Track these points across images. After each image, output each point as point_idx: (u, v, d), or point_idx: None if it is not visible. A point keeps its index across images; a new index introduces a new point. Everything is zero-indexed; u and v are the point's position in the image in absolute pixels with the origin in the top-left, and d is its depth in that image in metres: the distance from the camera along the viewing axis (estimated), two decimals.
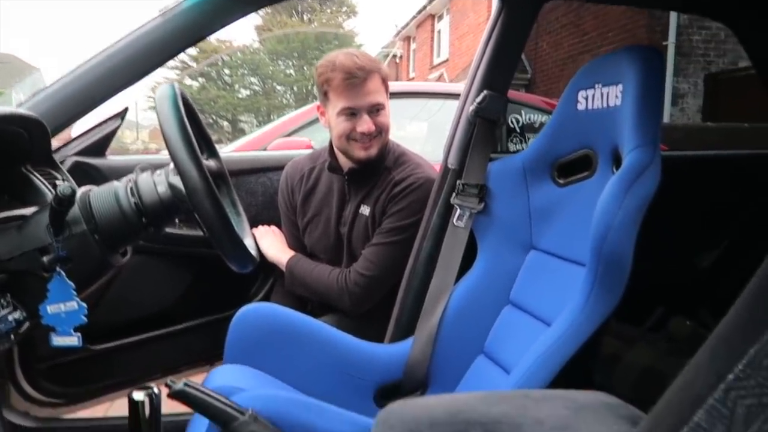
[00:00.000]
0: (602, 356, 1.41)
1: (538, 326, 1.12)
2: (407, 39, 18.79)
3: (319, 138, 2.62)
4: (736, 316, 0.38)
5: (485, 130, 1.35)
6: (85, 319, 0.89)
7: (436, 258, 1.34)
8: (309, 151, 1.79)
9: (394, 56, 19.60)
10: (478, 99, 1.34)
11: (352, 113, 1.41)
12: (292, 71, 25.93)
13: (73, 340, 0.90)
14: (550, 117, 2.86)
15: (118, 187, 0.93)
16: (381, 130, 1.43)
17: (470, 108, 1.36)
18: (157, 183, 0.93)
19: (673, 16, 6.68)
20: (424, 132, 4.11)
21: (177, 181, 0.89)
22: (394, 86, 2.95)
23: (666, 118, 6.58)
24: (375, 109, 1.41)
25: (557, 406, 0.50)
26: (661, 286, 1.44)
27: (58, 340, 0.89)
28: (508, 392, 0.82)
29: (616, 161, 1.05)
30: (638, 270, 0.89)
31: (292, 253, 1.55)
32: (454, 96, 3.59)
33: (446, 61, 14.52)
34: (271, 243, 1.58)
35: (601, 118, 1.08)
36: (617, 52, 1.08)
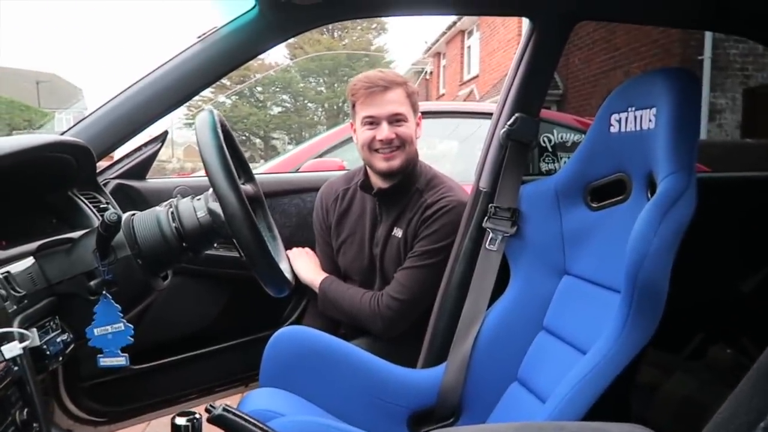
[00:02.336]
0: (639, 385, 1.39)
1: (572, 354, 1.11)
2: (437, 55, 18.87)
3: (351, 158, 2.65)
4: None
5: (517, 153, 1.35)
6: (131, 339, 0.92)
7: (468, 282, 1.34)
8: (342, 172, 1.82)
9: (425, 73, 19.70)
10: (510, 121, 1.35)
11: (372, 122, 1.45)
12: (323, 88, 26.24)
13: (121, 360, 0.93)
14: (582, 135, 2.82)
15: (160, 212, 0.96)
16: (404, 141, 1.45)
17: (502, 130, 1.36)
18: (197, 209, 0.96)
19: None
20: (454, 151, 4.11)
21: (216, 207, 0.92)
22: (425, 106, 2.97)
23: (703, 135, 6.45)
24: (395, 119, 1.44)
25: None
26: (700, 312, 1.41)
27: (105, 361, 0.92)
28: (543, 424, 0.82)
29: (651, 186, 1.04)
30: (677, 295, 0.88)
31: (325, 275, 1.57)
32: (484, 115, 3.58)
33: (476, 77, 14.52)
34: (304, 265, 1.60)
35: (635, 142, 1.07)
36: (651, 75, 1.07)
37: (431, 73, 19.64)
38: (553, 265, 1.25)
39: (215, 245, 1.28)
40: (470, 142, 3.81)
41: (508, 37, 12.20)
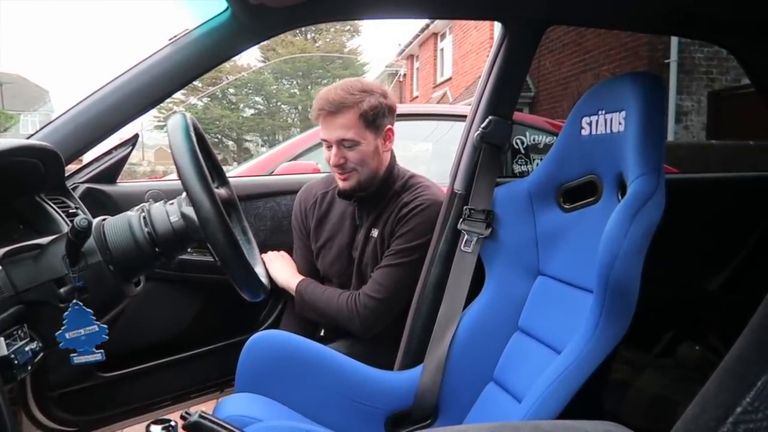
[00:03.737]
0: (612, 383, 1.42)
1: (547, 353, 1.12)
2: (411, 57, 18.96)
3: (325, 161, 2.65)
4: (744, 347, 0.38)
5: (491, 155, 1.37)
6: (106, 337, 0.90)
7: (444, 284, 1.35)
8: (316, 175, 1.81)
9: (398, 75, 19.76)
10: (483, 125, 1.36)
11: (327, 144, 1.45)
12: (296, 90, 26.14)
13: (96, 356, 0.91)
14: (554, 138, 2.86)
15: (132, 217, 0.94)
16: (355, 166, 1.44)
17: (476, 133, 1.37)
18: (170, 213, 0.94)
19: None
20: (429, 153, 4.14)
21: (190, 211, 0.91)
22: (400, 108, 2.97)
23: (671, 136, 6.60)
24: (344, 144, 1.42)
25: None
26: (669, 311, 1.44)
27: (79, 359, 0.90)
28: (519, 423, 0.83)
29: (621, 188, 1.06)
30: (647, 294, 0.90)
31: (301, 277, 1.56)
32: (458, 117, 3.60)
33: (449, 79, 14.63)
34: (280, 268, 1.59)
35: (605, 144, 1.10)
36: (619, 78, 1.10)
37: (405, 75, 19.72)
38: (527, 266, 1.27)
39: (189, 250, 1.27)
40: (445, 144, 3.84)
41: (481, 40, 12.32)
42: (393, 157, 1.55)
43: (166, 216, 0.94)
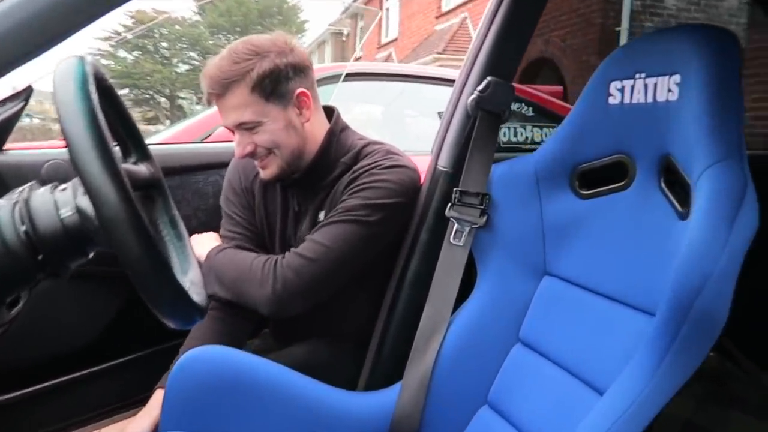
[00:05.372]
0: None
1: (558, 375, 0.91)
2: (355, 16, 18.31)
3: None
4: None
5: (488, 125, 1.11)
6: None
7: (425, 282, 1.10)
8: None
9: (341, 34, 19.12)
10: (481, 87, 1.10)
11: (231, 131, 1.13)
12: None
13: None
14: (521, 104, 2.52)
15: (1, 207, 0.64)
16: (268, 150, 1.13)
17: (470, 98, 1.11)
18: (60, 204, 0.64)
19: (626, 1, 6.63)
20: (377, 117, 3.83)
21: (87, 203, 0.61)
22: (339, 67, 2.65)
23: None
24: (246, 128, 1.11)
25: None
26: None
27: None
28: None
29: (666, 172, 0.84)
30: None
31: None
32: (408, 77, 3.31)
33: (395, 40, 14.21)
34: (204, 244, 1.23)
35: (644, 116, 0.86)
36: (668, 33, 0.86)
37: (348, 35, 19.08)
38: (530, 263, 1.03)
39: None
40: (396, 107, 3.56)
41: (428, 0, 11.95)
42: (336, 120, 1.22)
43: (54, 208, 0.63)
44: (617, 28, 6.73)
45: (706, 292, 0.60)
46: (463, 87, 1.16)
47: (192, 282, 0.72)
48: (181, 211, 1.38)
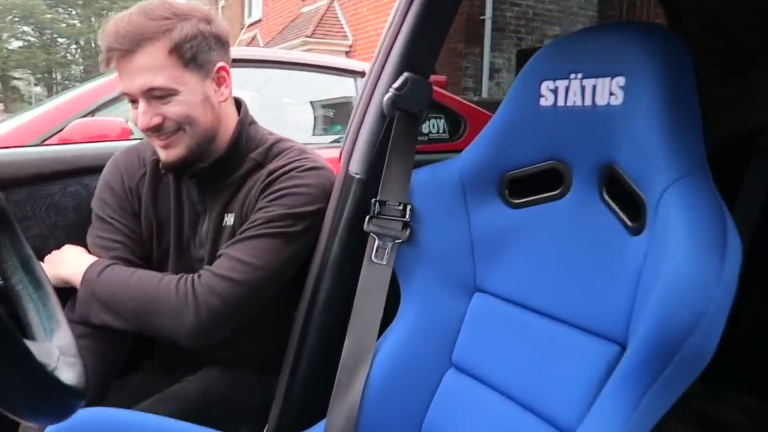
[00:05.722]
0: None
1: (499, 402, 0.84)
2: None
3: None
4: None
5: (406, 127, 1.00)
6: None
7: (340, 305, 0.99)
8: (129, 142, 1.27)
9: None
10: (397, 84, 0.99)
11: (132, 99, 0.98)
12: (76, 22, 22.68)
13: None
14: None
15: None
16: (179, 125, 0.98)
17: (386, 96, 1.00)
18: None
19: None
20: (254, 107, 3.60)
21: None
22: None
23: (485, 93, 6.83)
24: (156, 95, 0.96)
25: None
26: None
27: None
28: None
29: (609, 181, 0.79)
30: None
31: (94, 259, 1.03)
32: (277, 64, 3.11)
33: (259, 21, 13.67)
34: (73, 262, 1.02)
35: (582, 121, 0.80)
36: (606, 29, 0.80)
37: None
38: (458, 279, 0.95)
39: None
40: (272, 95, 3.36)
41: None
42: (245, 112, 1.10)
43: None
44: (482, 17, 6.98)
45: (699, 330, 0.55)
46: (376, 83, 1.04)
47: (62, 351, 0.54)
48: (32, 231, 1.13)
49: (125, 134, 1.93)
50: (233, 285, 0.95)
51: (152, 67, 0.94)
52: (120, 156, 1.12)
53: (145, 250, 1.09)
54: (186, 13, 0.97)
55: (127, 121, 1.97)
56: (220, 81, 1.03)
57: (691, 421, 1.13)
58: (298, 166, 1.03)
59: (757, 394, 1.15)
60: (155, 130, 0.98)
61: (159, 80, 0.94)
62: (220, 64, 1.02)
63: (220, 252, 1.01)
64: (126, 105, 1.06)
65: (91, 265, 1.00)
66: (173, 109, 0.97)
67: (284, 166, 1.04)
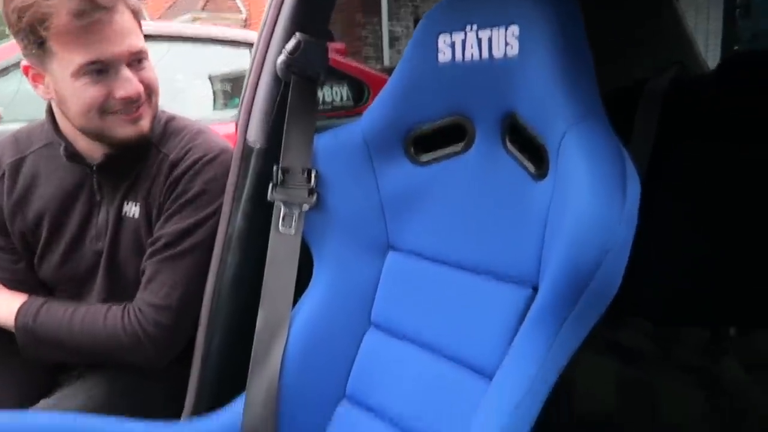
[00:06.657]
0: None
1: (424, 356, 0.84)
2: None
3: (8, 101, 1.82)
4: None
5: (303, 92, 0.97)
6: None
7: (250, 279, 0.97)
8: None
9: None
10: (289, 47, 0.95)
11: (101, 70, 0.90)
12: None
13: None
14: None
15: None
16: (151, 92, 0.97)
17: (279, 59, 0.96)
18: None
19: None
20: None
21: None
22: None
23: (386, 61, 6.83)
24: (137, 60, 0.94)
25: None
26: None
27: None
28: None
29: (511, 131, 0.80)
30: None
31: (19, 299, 0.99)
32: (181, 39, 3.01)
33: None
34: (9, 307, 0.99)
35: (481, 74, 0.81)
36: None
37: None
38: (371, 240, 0.94)
39: None
40: (165, 70, 3.19)
41: None
42: None
43: None
44: None
45: (605, 265, 0.57)
46: (267, 47, 1.00)
47: None
48: None
49: None
50: (175, 312, 0.96)
51: (131, 29, 0.92)
52: None
53: (14, 253, 1.04)
54: None
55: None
56: None
57: (601, 348, 1.20)
58: (201, 157, 1.01)
59: (653, 320, 1.23)
60: (135, 101, 0.93)
61: (141, 42, 0.93)
62: None
63: (144, 267, 0.98)
64: None
65: (21, 307, 0.97)
66: (148, 74, 0.96)
67: (186, 156, 1.01)
